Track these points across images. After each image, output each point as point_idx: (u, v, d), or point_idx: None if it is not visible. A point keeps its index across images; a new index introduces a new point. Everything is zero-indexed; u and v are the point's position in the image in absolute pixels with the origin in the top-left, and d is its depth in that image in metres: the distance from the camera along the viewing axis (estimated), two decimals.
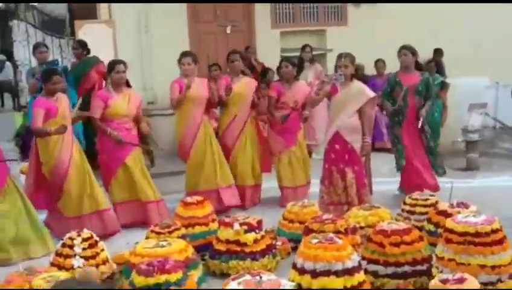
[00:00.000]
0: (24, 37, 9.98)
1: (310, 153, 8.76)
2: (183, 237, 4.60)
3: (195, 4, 10.15)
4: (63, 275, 3.60)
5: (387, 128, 9.47)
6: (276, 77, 9.70)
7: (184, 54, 6.51)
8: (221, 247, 4.64)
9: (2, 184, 5.14)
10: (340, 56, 5.98)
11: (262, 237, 4.70)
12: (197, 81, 6.38)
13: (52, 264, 4.43)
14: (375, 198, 6.32)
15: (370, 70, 10.18)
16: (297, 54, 9.70)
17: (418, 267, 4.07)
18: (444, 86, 9.07)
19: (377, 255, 4.17)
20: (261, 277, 3.29)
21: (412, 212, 5.17)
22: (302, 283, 3.68)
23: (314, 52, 9.91)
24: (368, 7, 10.70)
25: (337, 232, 4.51)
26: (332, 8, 10.80)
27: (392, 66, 9.90)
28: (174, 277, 3.50)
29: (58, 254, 4.45)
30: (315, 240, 3.79)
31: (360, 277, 3.70)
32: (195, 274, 4.10)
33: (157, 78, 9.69)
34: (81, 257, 4.40)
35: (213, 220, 5.11)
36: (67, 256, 4.40)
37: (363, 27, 10.55)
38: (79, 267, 4.36)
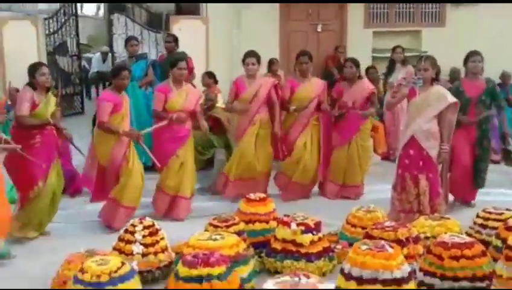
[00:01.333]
0: (123, 30, 10.42)
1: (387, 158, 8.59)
2: (239, 232, 4.62)
3: (288, 2, 10.16)
4: (113, 259, 3.72)
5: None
6: (364, 78, 9.57)
7: (248, 54, 6.58)
8: (278, 246, 4.62)
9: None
10: (420, 59, 5.76)
11: (320, 239, 4.62)
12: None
13: (114, 249, 4.61)
14: (453, 208, 6.05)
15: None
16: (390, 54, 9.48)
17: (477, 284, 3.84)
18: None
19: (435, 267, 3.98)
20: (300, 279, 3.24)
21: (484, 226, 4.88)
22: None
23: (408, 54, 9.61)
24: (467, 8, 10.23)
25: (397, 240, 4.37)
26: (430, 8, 10.42)
27: (490, 70, 9.46)
28: (216, 270, 3.52)
29: (120, 239, 4.61)
30: (365, 247, 3.67)
31: (408, 288, 3.54)
32: (245, 270, 4.11)
33: None
34: (141, 243, 4.53)
35: (274, 218, 5.07)
36: (128, 242, 4.54)
37: (461, 29, 10.11)
38: (138, 253, 4.51)
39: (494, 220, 4.82)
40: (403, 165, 5.73)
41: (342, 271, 3.71)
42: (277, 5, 10.13)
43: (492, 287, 3.68)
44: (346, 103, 6.70)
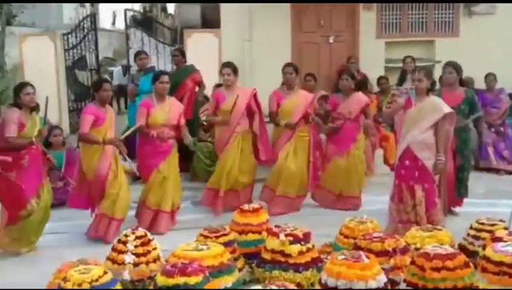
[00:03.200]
0: (139, 44, 10.65)
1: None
2: (229, 243, 4.70)
3: (299, 13, 10.25)
4: (95, 268, 3.82)
5: (494, 147, 9.00)
6: (376, 88, 9.58)
7: (223, 65, 6.73)
8: (267, 256, 4.67)
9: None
10: (415, 69, 5.81)
11: (309, 249, 4.65)
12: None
13: (107, 258, 4.73)
14: (454, 220, 6.01)
15: (481, 84, 9.63)
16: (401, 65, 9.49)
17: None
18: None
19: (417, 278, 3.97)
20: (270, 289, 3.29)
21: (477, 238, 4.84)
22: None
23: (421, 64, 9.56)
24: (481, 17, 10.15)
25: (384, 251, 4.39)
26: (443, 17, 10.37)
27: (504, 80, 9.37)
28: (193, 279, 3.59)
29: (113, 249, 4.73)
30: (341, 257, 3.71)
31: None
32: (229, 280, 4.18)
33: (258, 86, 9.89)
34: (133, 253, 4.64)
35: (266, 229, 5.13)
36: (120, 251, 4.66)
37: (475, 38, 10.03)
38: (130, 263, 4.62)
39: (487, 231, 4.79)
40: (399, 175, 5.75)
41: (319, 281, 3.76)
42: (289, 16, 10.21)
43: None
44: (342, 114, 6.77)
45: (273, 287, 3.31)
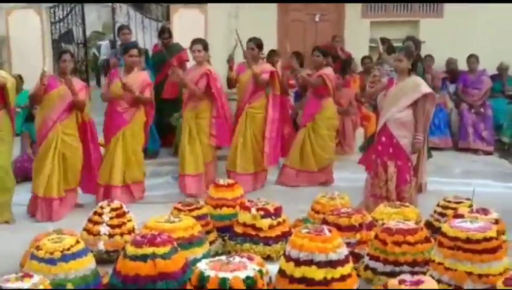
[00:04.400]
0: (125, 19, 10.65)
1: None
2: (202, 216, 4.83)
3: None
4: (68, 238, 3.94)
5: (473, 128, 9.14)
6: (359, 68, 9.67)
7: (193, 41, 6.74)
8: (239, 229, 4.82)
9: None
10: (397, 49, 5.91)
11: (279, 223, 4.80)
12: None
13: (84, 229, 4.87)
14: (427, 198, 6.16)
15: (464, 65, 9.73)
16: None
17: (417, 269, 3.96)
18: None
19: (379, 252, 4.13)
20: (233, 259, 3.43)
21: (443, 215, 4.98)
22: (287, 270, 3.76)
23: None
24: None
25: (351, 226, 4.54)
26: None
27: (486, 62, 9.47)
28: (161, 250, 3.72)
29: (89, 220, 4.87)
30: (305, 230, 3.85)
31: (343, 270, 3.69)
32: (199, 251, 4.32)
33: None
34: (108, 225, 4.78)
35: (240, 203, 5.27)
36: (96, 223, 4.81)
37: (459, 20, 10.06)
38: (105, 234, 4.76)
39: (452, 209, 4.93)
40: (376, 151, 5.91)
41: (283, 253, 3.90)
42: None
43: (427, 272, 3.80)
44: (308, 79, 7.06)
45: (236, 257, 3.44)
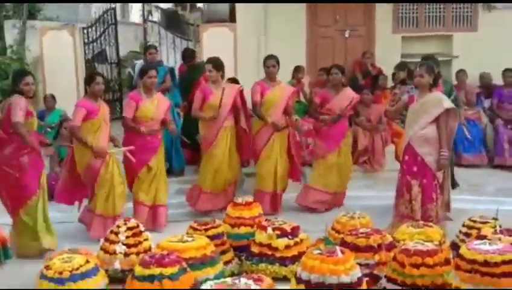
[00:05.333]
0: (156, 38, 10.77)
1: None
2: (218, 235, 4.77)
3: (315, 7, 10.19)
4: (77, 257, 3.93)
5: (509, 144, 8.83)
6: (390, 83, 9.49)
7: (207, 61, 6.76)
8: (256, 249, 4.74)
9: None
10: (417, 65, 5.75)
11: (296, 243, 4.69)
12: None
13: (101, 248, 4.86)
14: (457, 217, 5.93)
15: (499, 79, 9.45)
16: (419, 60, 9.34)
17: None
18: None
19: (397, 274, 3.99)
20: (239, 281, 3.34)
21: (468, 235, 4.79)
22: None
23: (440, 58, 9.43)
24: (500, 12, 9.93)
25: (369, 246, 4.40)
26: (461, 12, 10.18)
27: None
28: (169, 270, 3.68)
29: (106, 239, 4.86)
30: (317, 251, 3.73)
31: None
32: (211, 271, 4.25)
33: None
34: (124, 244, 4.76)
35: (258, 223, 5.18)
36: (112, 242, 4.79)
37: (493, 33, 9.79)
38: (120, 252, 4.74)
39: (477, 229, 4.73)
40: (401, 170, 5.77)
41: (295, 274, 3.79)
42: (304, 10, 10.15)
43: None
44: (332, 110, 6.75)
45: (242, 279, 3.35)
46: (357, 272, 3.64)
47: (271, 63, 6.82)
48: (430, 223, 4.95)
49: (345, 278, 3.55)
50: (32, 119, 5.45)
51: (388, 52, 10.04)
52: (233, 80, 8.83)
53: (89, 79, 6.00)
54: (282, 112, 6.76)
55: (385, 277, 4.09)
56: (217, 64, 6.69)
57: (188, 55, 8.67)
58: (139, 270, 3.70)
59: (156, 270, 3.65)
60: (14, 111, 5.26)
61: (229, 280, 3.40)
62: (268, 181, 6.68)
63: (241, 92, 6.78)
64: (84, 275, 3.80)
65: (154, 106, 6.26)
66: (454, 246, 4.77)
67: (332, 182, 6.84)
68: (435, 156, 5.59)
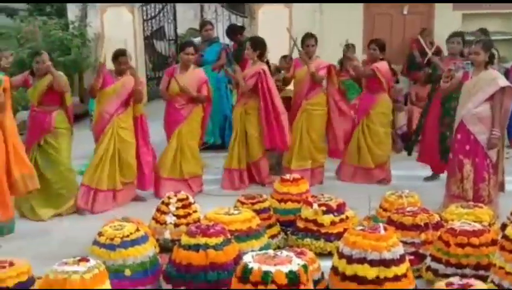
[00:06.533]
0: (213, 15, 10.87)
1: None
2: (265, 210, 4.85)
3: None
4: (128, 225, 4.09)
5: None
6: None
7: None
8: (301, 224, 4.79)
9: None
10: (473, 42, 5.60)
11: (341, 220, 4.72)
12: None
13: (152, 218, 5.03)
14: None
15: None
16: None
17: (481, 273, 3.77)
18: None
19: (441, 253, 3.97)
20: (281, 253, 3.40)
21: None
22: (339, 267, 3.69)
23: (500, 37, 9.20)
24: None
25: (416, 225, 4.37)
26: None
27: None
28: (214, 240, 3.77)
29: (157, 210, 5.02)
30: (359, 228, 3.75)
31: (398, 270, 3.56)
32: (256, 244, 4.33)
33: (329, 59, 9.84)
34: (174, 215, 4.91)
35: (304, 199, 5.22)
36: (163, 212, 4.94)
37: None
38: (171, 223, 4.89)
39: None
40: (453, 149, 5.66)
41: (337, 249, 3.83)
42: None
43: (490, 276, 3.59)
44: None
45: (286, 252, 3.42)
46: (399, 249, 3.63)
47: (310, 42, 6.75)
48: (481, 204, 4.85)
49: (387, 254, 3.55)
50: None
51: (448, 29, 9.74)
52: (286, 58, 8.83)
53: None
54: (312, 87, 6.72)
55: (430, 255, 4.07)
56: (254, 42, 6.63)
57: (231, 31, 8.67)
58: (185, 239, 3.82)
59: (202, 240, 3.75)
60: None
61: (271, 251, 3.47)
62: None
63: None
64: (134, 242, 3.94)
65: (183, 82, 6.22)
66: (504, 228, 4.67)
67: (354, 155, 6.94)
68: (487, 135, 5.45)
